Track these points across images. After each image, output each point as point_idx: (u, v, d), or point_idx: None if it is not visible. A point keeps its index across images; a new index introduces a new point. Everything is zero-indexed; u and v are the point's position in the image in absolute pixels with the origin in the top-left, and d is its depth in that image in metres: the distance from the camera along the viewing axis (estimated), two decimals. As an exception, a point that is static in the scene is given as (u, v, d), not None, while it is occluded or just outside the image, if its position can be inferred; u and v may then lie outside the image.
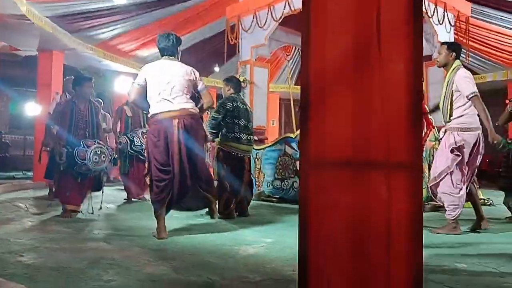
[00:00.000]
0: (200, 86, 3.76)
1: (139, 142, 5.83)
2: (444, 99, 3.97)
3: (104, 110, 4.97)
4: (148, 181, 3.66)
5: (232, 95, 4.79)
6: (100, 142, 4.56)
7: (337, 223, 1.21)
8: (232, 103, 4.66)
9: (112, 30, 8.63)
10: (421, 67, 1.13)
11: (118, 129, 6.15)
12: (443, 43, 4.22)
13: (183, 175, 3.51)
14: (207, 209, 4.31)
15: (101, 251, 2.97)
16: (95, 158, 4.39)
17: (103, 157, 4.46)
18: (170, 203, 3.56)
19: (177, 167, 3.48)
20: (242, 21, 7.45)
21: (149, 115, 3.71)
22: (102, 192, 4.86)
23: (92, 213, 4.55)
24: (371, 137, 1.17)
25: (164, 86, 3.52)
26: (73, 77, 6.02)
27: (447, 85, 3.93)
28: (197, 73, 3.75)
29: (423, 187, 5.70)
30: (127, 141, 5.85)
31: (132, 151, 5.87)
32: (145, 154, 3.74)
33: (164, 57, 3.68)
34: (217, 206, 4.19)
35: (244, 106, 4.83)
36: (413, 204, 1.14)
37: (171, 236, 3.47)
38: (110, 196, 6.48)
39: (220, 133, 4.72)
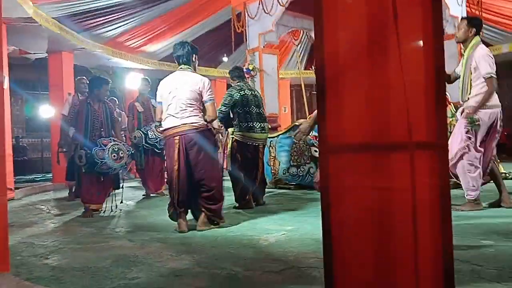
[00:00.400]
0: (204, 97, 3.61)
1: (154, 135, 5.86)
2: (463, 77, 3.86)
3: (118, 108, 5.00)
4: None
5: (238, 83, 4.74)
6: (115, 139, 4.60)
7: (359, 207, 1.18)
8: (239, 92, 4.61)
9: (118, 27, 8.61)
10: (441, 42, 1.07)
11: (131, 125, 6.21)
12: (463, 18, 4.06)
13: (182, 192, 3.54)
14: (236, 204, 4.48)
15: (124, 249, 3.00)
16: (114, 156, 4.43)
17: (121, 153, 4.51)
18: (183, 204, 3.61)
19: (176, 183, 3.53)
20: (248, 8, 7.37)
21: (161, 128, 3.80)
22: (122, 189, 4.93)
23: (114, 211, 4.60)
24: (391, 118, 1.13)
25: (170, 100, 3.56)
26: (84, 77, 6.11)
27: (466, 62, 3.81)
28: (206, 83, 3.63)
29: (443, 165, 5.60)
30: (141, 135, 5.88)
31: (147, 145, 5.90)
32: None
33: (180, 67, 3.70)
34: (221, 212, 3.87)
35: (253, 92, 4.76)
36: (440, 185, 1.09)
37: (191, 230, 3.49)
38: (129, 193, 6.56)
39: (234, 123, 4.69)
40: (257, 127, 4.64)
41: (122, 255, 2.80)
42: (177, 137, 3.54)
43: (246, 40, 7.63)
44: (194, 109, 3.57)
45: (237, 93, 4.59)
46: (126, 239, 3.33)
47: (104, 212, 4.58)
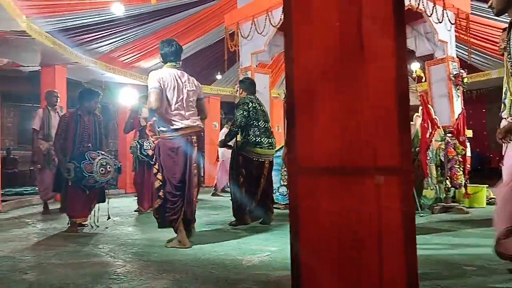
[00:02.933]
0: (201, 96, 3.75)
1: (149, 146, 5.87)
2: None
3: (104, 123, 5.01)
4: (159, 195, 3.55)
5: (247, 96, 4.71)
6: (103, 153, 4.58)
7: (327, 228, 1.19)
8: (250, 103, 4.57)
9: (112, 42, 8.69)
10: (404, 68, 1.10)
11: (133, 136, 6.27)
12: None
13: (191, 192, 3.53)
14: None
15: (105, 266, 2.96)
16: (102, 170, 4.41)
17: (109, 167, 4.48)
18: (185, 215, 3.55)
19: (188, 186, 3.50)
20: (241, 28, 7.47)
21: (164, 128, 3.54)
22: (108, 205, 4.88)
23: (98, 226, 4.55)
24: (357, 143, 1.15)
25: (180, 99, 3.50)
26: (55, 91, 6.33)
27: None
28: (199, 84, 3.76)
29: (431, 188, 5.64)
30: (136, 145, 5.92)
31: (142, 156, 5.89)
32: (156, 167, 3.58)
33: (169, 64, 3.61)
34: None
35: (261, 107, 4.72)
36: (403, 208, 1.11)
37: (176, 248, 3.45)
38: (117, 209, 6.50)
39: (240, 137, 4.60)
40: (265, 142, 4.57)
41: (103, 272, 2.77)
42: (194, 137, 3.54)
43: (239, 59, 7.71)
44: (196, 111, 3.66)
45: (250, 104, 4.54)
46: (109, 256, 3.29)
47: (92, 227, 4.52)
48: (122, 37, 8.58)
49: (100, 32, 8.14)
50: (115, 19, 7.72)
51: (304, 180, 1.20)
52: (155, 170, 3.60)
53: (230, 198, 4.63)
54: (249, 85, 4.85)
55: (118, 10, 7.16)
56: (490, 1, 2.37)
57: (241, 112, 4.51)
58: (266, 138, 4.57)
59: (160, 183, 3.53)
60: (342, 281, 1.15)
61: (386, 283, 1.10)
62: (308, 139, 1.19)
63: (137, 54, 9.50)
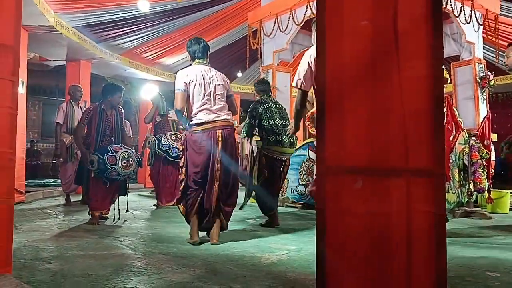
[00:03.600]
0: (230, 92, 3.75)
1: (167, 142, 5.97)
2: None
3: (125, 118, 5.08)
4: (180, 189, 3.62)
5: (262, 97, 4.72)
6: (125, 146, 4.66)
7: (354, 231, 1.17)
8: (263, 105, 4.57)
9: (137, 38, 8.80)
10: (440, 69, 1.08)
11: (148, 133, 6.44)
12: (509, 45, 3.74)
13: (212, 188, 3.49)
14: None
15: (125, 258, 3.01)
16: (124, 163, 4.48)
17: (130, 160, 4.55)
18: (201, 214, 3.55)
19: (210, 181, 3.48)
20: (264, 26, 7.47)
21: (190, 123, 3.58)
22: (127, 198, 4.96)
23: (119, 219, 4.62)
24: (389, 143, 1.13)
25: (207, 94, 3.52)
26: (79, 85, 6.46)
27: None
28: (227, 79, 3.77)
29: (453, 192, 5.54)
30: (155, 140, 6.01)
31: (160, 151, 5.96)
32: (182, 161, 3.63)
33: (197, 61, 3.66)
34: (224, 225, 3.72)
35: (277, 105, 4.70)
36: (435, 212, 1.08)
37: (195, 244, 3.48)
38: (137, 203, 6.60)
39: (262, 137, 4.62)
40: (286, 141, 4.55)
41: (123, 264, 2.81)
42: (220, 131, 3.50)
43: (261, 57, 7.71)
44: (225, 105, 3.64)
45: (260, 106, 4.57)
46: (129, 249, 3.34)
47: (113, 219, 4.60)
48: (146, 33, 8.67)
49: (124, 28, 8.26)
50: (140, 16, 7.81)
51: (332, 181, 1.19)
52: (180, 163, 3.67)
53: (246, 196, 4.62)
54: (264, 85, 4.85)
55: (144, 6, 7.24)
56: (505, 60, 2.49)
57: (248, 121, 4.56)
58: (286, 137, 4.54)
59: (184, 177, 3.58)
60: (369, 285, 1.13)
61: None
62: (338, 139, 1.18)
63: (160, 51, 9.60)
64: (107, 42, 8.49)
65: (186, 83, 3.52)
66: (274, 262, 2.94)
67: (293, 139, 4.61)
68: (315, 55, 1.26)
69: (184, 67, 3.71)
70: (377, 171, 1.14)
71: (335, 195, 1.17)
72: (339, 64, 1.21)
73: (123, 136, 4.91)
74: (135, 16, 7.81)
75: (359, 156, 1.14)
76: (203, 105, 3.52)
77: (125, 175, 4.57)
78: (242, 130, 4.65)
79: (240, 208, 4.48)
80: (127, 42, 8.81)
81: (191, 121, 3.57)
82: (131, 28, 8.35)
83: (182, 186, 3.60)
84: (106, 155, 4.37)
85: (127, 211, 4.96)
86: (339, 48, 1.21)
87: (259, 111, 4.54)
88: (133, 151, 4.82)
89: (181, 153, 3.77)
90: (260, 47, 7.63)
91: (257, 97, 4.79)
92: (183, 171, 3.59)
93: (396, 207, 1.12)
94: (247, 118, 4.63)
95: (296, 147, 6.64)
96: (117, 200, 4.76)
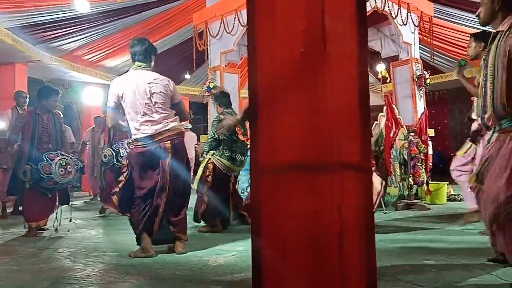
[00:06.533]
0: (176, 99, 3.41)
1: (126, 153, 5.58)
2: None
3: (66, 123, 4.84)
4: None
5: (225, 111, 4.60)
6: (63, 153, 4.41)
7: (290, 229, 1.17)
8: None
9: (78, 40, 8.44)
10: (365, 65, 1.11)
11: (103, 142, 6.00)
12: (471, 35, 3.65)
13: (159, 201, 3.23)
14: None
15: (64, 271, 2.85)
16: (61, 171, 4.24)
17: (69, 168, 4.31)
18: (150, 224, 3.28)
19: (157, 194, 3.22)
20: (210, 27, 7.40)
21: (134, 136, 3.33)
22: (71, 207, 4.74)
23: (57, 230, 4.38)
24: (321, 139, 1.14)
25: (146, 104, 3.21)
26: (24, 91, 6.09)
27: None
28: (173, 84, 3.43)
29: (395, 186, 5.79)
30: (112, 153, 5.49)
31: (118, 164, 5.59)
32: (124, 171, 3.41)
33: (136, 64, 3.36)
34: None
35: (241, 123, 4.47)
36: (364, 206, 1.11)
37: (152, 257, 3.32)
38: (80, 211, 6.31)
39: (216, 147, 4.49)
40: (238, 160, 4.49)
41: (61, 277, 2.66)
42: (168, 142, 3.23)
43: (208, 59, 7.64)
44: (170, 113, 3.34)
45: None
46: (69, 260, 3.17)
47: (52, 229, 4.35)
48: (88, 34, 8.34)
49: (64, 29, 7.88)
50: (80, 16, 7.49)
51: (266, 180, 1.18)
52: (122, 178, 3.44)
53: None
54: (225, 98, 4.73)
55: (82, 7, 6.94)
56: (478, 11, 2.44)
57: (212, 136, 4.43)
58: (240, 156, 4.51)
59: (117, 189, 3.38)
60: (304, 281, 1.14)
61: (346, 283, 1.10)
62: (270, 138, 1.18)
63: (102, 53, 9.26)
64: (45, 44, 8.06)
65: (119, 96, 3.26)
66: (221, 264, 2.91)
67: (244, 158, 4.58)
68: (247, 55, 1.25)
69: (123, 73, 3.50)
70: (310, 168, 1.15)
71: (270, 194, 1.17)
72: (270, 63, 1.20)
73: (64, 143, 4.68)
74: (75, 16, 7.48)
75: (292, 154, 1.15)
76: (144, 116, 3.23)
77: (64, 183, 4.33)
78: (205, 146, 4.55)
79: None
80: (68, 43, 8.42)
81: (134, 135, 3.31)
82: (72, 29, 7.99)
83: (119, 187, 3.40)
84: (40, 164, 4.11)
85: (70, 220, 4.74)
86: (270, 48, 1.21)
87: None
88: (75, 157, 4.58)
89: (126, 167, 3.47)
90: (207, 49, 7.57)
91: (219, 110, 4.68)
92: (123, 178, 3.39)
93: (329, 202, 1.13)
94: (210, 133, 4.49)
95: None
96: (59, 209, 4.52)
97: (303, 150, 1.16)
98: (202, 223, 4.50)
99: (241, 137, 4.38)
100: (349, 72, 1.13)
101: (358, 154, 1.12)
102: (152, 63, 3.46)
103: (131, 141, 5.67)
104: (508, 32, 2.20)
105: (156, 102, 3.25)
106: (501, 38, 2.23)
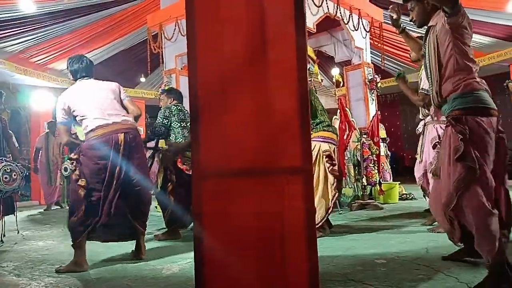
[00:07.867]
0: (122, 96, 3.37)
1: None
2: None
3: (11, 129, 4.58)
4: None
5: (177, 103, 4.47)
6: (7, 159, 4.17)
7: (231, 231, 1.17)
8: (177, 106, 4.34)
9: (24, 41, 8.04)
10: (305, 72, 1.11)
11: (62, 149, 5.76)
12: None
13: (114, 198, 3.07)
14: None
15: (7, 286, 2.68)
16: (6, 178, 4.00)
17: (14, 175, 4.07)
18: (93, 229, 3.08)
19: (112, 190, 3.06)
20: (165, 29, 7.30)
21: (85, 132, 3.17)
22: (16, 218, 4.49)
23: (2, 242, 4.13)
24: (263, 143, 1.14)
25: (96, 102, 3.14)
26: None
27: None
28: (117, 84, 3.40)
29: (350, 186, 5.93)
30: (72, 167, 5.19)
31: None
32: (77, 173, 3.15)
33: (80, 79, 3.30)
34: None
35: (189, 113, 4.47)
36: (306, 207, 1.12)
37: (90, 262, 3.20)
38: (28, 222, 6.00)
39: (170, 140, 4.30)
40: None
41: (2, 293, 2.50)
42: (122, 134, 3.09)
43: (163, 62, 7.52)
44: (122, 109, 3.28)
45: (174, 106, 4.31)
46: (13, 275, 2.98)
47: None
48: (34, 36, 7.97)
49: (8, 30, 7.48)
50: (26, 16, 7.14)
51: (209, 183, 1.17)
52: (75, 177, 3.15)
53: (155, 206, 4.40)
54: (178, 94, 4.64)
55: (28, 7, 6.61)
56: (411, 15, 2.57)
57: (161, 119, 4.26)
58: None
59: (85, 190, 3.08)
60: (247, 282, 1.13)
61: (289, 283, 1.11)
62: (212, 143, 1.16)
63: (51, 55, 8.87)
64: (-13, 45, 7.63)
65: (68, 107, 3.17)
66: (175, 272, 2.84)
67: None
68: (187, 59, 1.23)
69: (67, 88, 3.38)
70: (252, 171, 1.15)
71: (211, 197, 1.15)
72: (211, 67, 1.19)
73: (11, 149, 4.42)
74: (20, 17, 7.12)
75: (232, 159, 1.14)
76: (95, 112, 3.14)
77: (8, 191, 4.09)
78: (149, 131, 4.38)
79: None
80: (12, 45, 8.00)
81: (87, 131, 3.16)
82: (17, 30, 7.60)
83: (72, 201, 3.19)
84: (-18, 171, 3.87)
85: (18, 232, 4.48)
86: (211, 51, 1.19)
87: (173, 111, 4.28)
88: (20, 164, 4.33)
89: (77, 165, 3.21)
90: (162, 51, 7.44)
91: (168, 102, 4.50)
92: (82, 183, 3.08)
93: (271, 205, 1.13)
94: (160, 118, 4.28)
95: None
96: (2, 220, 4.26)
97: (245, 153, 1.16)
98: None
99: (179, 165, 4.25)
100: (289, 76, 1.14)
101: (299, 158, 1.13)
102: (93, 74, 3.41)
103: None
104: (435, 25, 2.34)
105: (105, 99, 3.22)
106: (430, 32, 2.38)
